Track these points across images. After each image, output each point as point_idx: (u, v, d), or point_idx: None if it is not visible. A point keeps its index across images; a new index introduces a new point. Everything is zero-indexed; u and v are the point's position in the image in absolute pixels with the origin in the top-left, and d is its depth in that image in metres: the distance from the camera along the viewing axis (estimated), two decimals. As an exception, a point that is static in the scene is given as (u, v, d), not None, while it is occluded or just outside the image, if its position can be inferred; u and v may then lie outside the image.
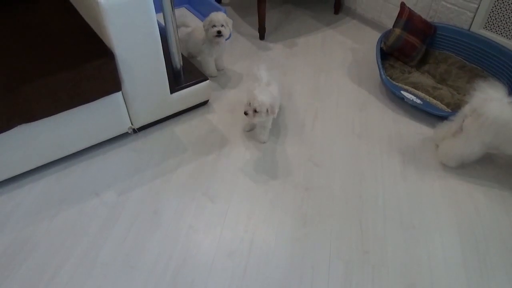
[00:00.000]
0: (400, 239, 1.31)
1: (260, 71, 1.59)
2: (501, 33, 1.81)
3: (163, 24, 1.53)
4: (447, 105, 1.74)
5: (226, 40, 1.83)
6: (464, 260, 1.26)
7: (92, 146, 1.56)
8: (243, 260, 1.24)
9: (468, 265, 1.25)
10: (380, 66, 1.84)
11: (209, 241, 1.29)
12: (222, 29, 1.74)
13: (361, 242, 1.30)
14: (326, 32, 2.37)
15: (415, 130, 1.71)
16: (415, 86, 1.82)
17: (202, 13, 2.38)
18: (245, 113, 1.46)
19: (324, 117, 1.77)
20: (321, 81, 1.98)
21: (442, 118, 1.63)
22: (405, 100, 1.75)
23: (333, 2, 2.51)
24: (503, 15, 1.76)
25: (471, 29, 1.91)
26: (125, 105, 1.50)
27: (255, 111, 1.43)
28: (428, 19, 2.04)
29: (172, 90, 1.60)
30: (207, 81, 1.69)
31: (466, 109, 1.44)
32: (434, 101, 1.75)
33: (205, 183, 1.47)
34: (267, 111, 1.44)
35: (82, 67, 1.29)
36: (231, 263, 1.24)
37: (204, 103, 1.79)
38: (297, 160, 1.57)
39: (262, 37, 2.25)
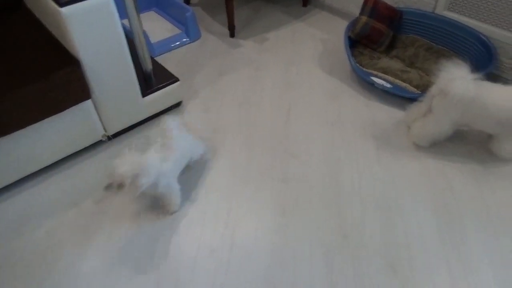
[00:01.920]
0: (377, 221, 1.34)
1: (167, 125, 1.32)
2: (464, 13, 1.85)
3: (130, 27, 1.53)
4: (416, 87, 1.77)
5: (194, 41, 1.83)
6: (440, 235, 1.29)
7: (67, 156, 1.55)
8: (226, 256, 1.25)
9: (444, 240, 1.28)
10: (350, 54, 1.86)
11: (190, 241, 1.30)
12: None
13: (340, 227, 1.32)
14: (296, 25, 2.39)
15: (387, 114, 1.75)
16: (385, 71, 1.85)
17: (171, 16, 2.38)
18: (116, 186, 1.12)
19: (297, 108, 1.79)
20: (293, 74, 2.00)
21: (412, 100, 1.66)
22: (375, 85, 1.78)
23: (301, -6, 2.54)
24: (464, -5, 1.80)
25: (435, 11, 1.95)
26: (96, 112, 1.49)
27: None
28: (394, 5, 2.08)
29: (144, 94, 1.60)
30: (178, 82, 1.70)
31: (433, 89, 1.48)
32: (404, 84, 1.79)
33: (186, 184, 1.47)
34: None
35: (48, 78, 1.28)
36: (214, 260, 1.25)
37: (178, 104, 1.79)
38: (273, 153, 1.59)
39: (232, 34, 2.26)
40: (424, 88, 1.75)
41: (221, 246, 1.28)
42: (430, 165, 1.52)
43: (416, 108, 1.60)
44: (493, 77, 1.72)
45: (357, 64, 1.87)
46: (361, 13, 1.95)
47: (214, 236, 1.31)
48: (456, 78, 1.38)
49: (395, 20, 1.98)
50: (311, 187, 1.45)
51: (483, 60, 1.75)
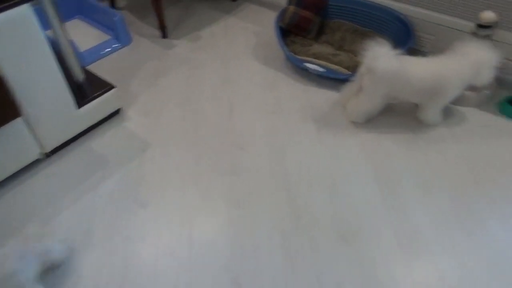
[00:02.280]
0: (326, 197, 1.41)
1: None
2: (380, -5, 1.98)
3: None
4: (347, 68, 1.87)
5: (125, 46, 1.79)
6: (384, 202, 1.39)
7: (4, 180, 1.47)
8: (186, 255, 1.26)
9: (388, 206, 1.38)
10: (282, 43, 1.92)
11: (148, 246, 1.29)
12: None
13: (293, 209, 1.38)
14: (228, 20, 2.41)
15: (324, 97, 1.83)
16: (317, 56, 1.93)
17: (98, 22, 2.30)
18: None
19: (238, 102, 1.82)
20: (230, 69, 2.02)
21: (345, 81, 1.75)
22: (310, 71, 1.86)
23: (228, -10, 2.56)
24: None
25: (355, -5, 2.06)
26: (29, 130, 1.42)
27: None
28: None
29: (79, 105, 1.55)
30: (114, 89, 1.66)
31: (362, 69, 1.57)
32: (335, 67, 1.88)
33: (133, 191, 1.45)
34: None
35: (-31, 99, 1.20)
36: (175, 260, 1.25)
37: (117, 111, 1.75)
38: (221, 148, 1.61)
39: (164, 35, 2.24)
40: (354, 68, 1.85)
41: (180, 246, 1.29)
42: (367, 139, 1.62)
43: (349, 88, 1.69)
44: (413, 52, 1.86)
45: (291, 53, 1.93)
46: (289, 3, 2.01)
47: (172, 237, 1.31)
48: (380, 56, 1.48)
49: (321, 7, 2.07)
50: (261, 176, 1.50)
51: (403, 36, 1.88)
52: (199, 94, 1.87)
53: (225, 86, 1.91)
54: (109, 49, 2.14)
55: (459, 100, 1.73)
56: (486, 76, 1.52)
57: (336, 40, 2.06)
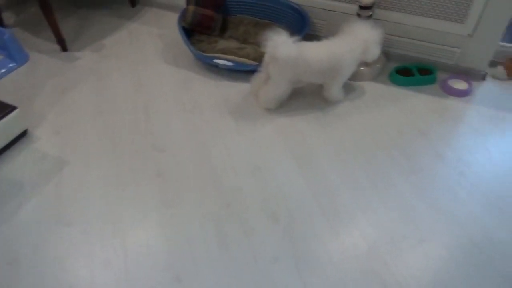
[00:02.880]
0: (252, 182, 1.49)
1: None
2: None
3: None
4: (254, 59, 1.97)
5: (22, 64, 1.69)
6: (304, 176, 1.50)
7: None
8: (122, 264, 1.25)
9: (308, 179, 1.49)
10: (188, 43, 1.96)
11: (81, 263, 1.25)
12: None
13: (222, 199, 1.43)
14: (131, 26, 2.38)
15: (236, 90, 1.90)
16: (224, 51, 2.00)
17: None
18: None
19: (154, 106, 1.82)
20: (141, 74, 2.01)
21: (253, 72, 1.84)
22: (219, 66, 1.92)
23: (126, -4, 2.52)
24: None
25: (251, -10, 2.16)
26: None
27: None
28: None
29: (-21, 132, 1.44)
30: (16, 110, 1.56)
31: (266, 58, 1.67)
32: (243, 60, 1.96)
33: (55, 211, 1.40)
34: None
35: None
36: (110, 271, 1.23)
37: (24, 133, 1.65)
38: (142, 153, 1.60)
39: (64, 48, 2.14)
40: (260, 59, 1.94)
41: (115, 257, 1.27)
42: (282, 123, 1.73)
43: (257, 78, 1.78)
44: (310, 37, 2.00)
45: (198, 51, 1.98)
46: (188, 3, 2.05)
47: (105, 249, 1.29)
48: (279, 45, 1.58)
49: (220, 5, 2.13)
50: (187, 173, 1.53)
51: (300, 24, 2.03)
52: (112, 103, 1.84)
53: (138, 92, 1.90)
54: (4, 70, 1.99)
55: (356, 76, 1.91)
56: (374, 51, 1.70)
57: (240, 34, 2.14)
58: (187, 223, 1.36)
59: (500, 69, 1.90)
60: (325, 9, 2.02)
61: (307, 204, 1.42)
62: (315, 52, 1.65)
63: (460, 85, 1.86)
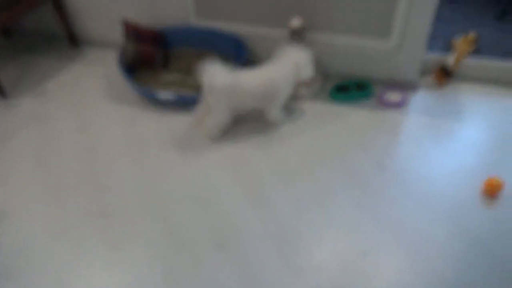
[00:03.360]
0: (200, 214, 1.49)
1: None
2: (213, 18, 2.15)
3: None
4: (197, 91, 1.99)
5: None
6: (250, 202, 1.52)
7: None
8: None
9: (254, 204, 1.51)
10: (129, 80, 1.97)
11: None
12: None
13: (170, 235, 1.42)
14: (74, 67, 2.37)
15: (181, 122, 1.92)
16: (167, 84, 2.02)
17: None
18: None
19: (99, 147, 1.81)
20: (86, 115, 1.99)
21: (196, 103, 1.86)
22: (162, 100, 1.94)
23: (66, 37, 2.50)
24: (208, 3, 2.09)
25: (191, 22, 2.21)
26: None
27: None
28: (157, 25, 2.27)
29: None
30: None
31: (204, 88, 1.70)
32: (185, 91, 1.99)
33: (-5, 267, 1.35)
34: None
35: None
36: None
37: (-40, 189, 1.60)
38: (87, 194, 1.58)
39: (3, 95, 2.10)
40: (201, 90, 1.98)
41: (58, 308, 1.23)
42: (227, 151, 1.75)
43: (200, 109, 1.81)
44: (248, 63, 2.04)
45: (140, 87, 1.99)
46: (126, 41, 2.07)
47: (47, 301, 1.25)
48: (214, 74, 1.62)
49: (159, 39, 2.17)
50: (134, 211, 1.51)
51: (238, 52, 2.08)
52: (55, 148, 1.81)
53: (83, 134, 1.88)
54: None
55: (296, 98, 1.98)
56: (306, 72, 1.77)
57: (183, 66, 2.18)
58: (135, 264, 1.34)
59: (431, 78, 2.01)
60: (261, 36, 2.09)
61: (254, 231, 1.43)
62: (250, 79, 1.69)
63: (394, 97, 1.95)
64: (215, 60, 1.66)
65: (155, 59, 2.13)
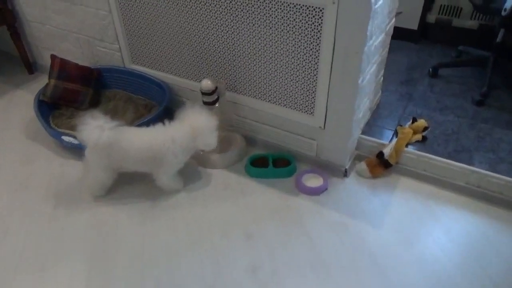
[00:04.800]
0: (31, 283, 1.30)
1: None
2: (145, 65, 2.03)
3: None
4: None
5: None
6: (89, 282, 1.31)
7: None
8: None
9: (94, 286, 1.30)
10: (39, 117, 1.87)
11: None
12: None
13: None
14: (16, 92, 2.33)
15: (78, 170, 1.77)
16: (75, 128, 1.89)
17: None
18: None
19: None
20: (-10, 145, 1.91)
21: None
22: (64, 144, 1.81)
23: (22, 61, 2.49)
24: (140, 50, 1.98)
25: (125, 66, 2.10)
26: None
27: None
28: (96, 63, 2.19)
29: None
30: None
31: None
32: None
33: None
34: None
35: None
36: None
37: None
38: None
39: None
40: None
41: None
42: (101, 212, 1.56)
43: (84, 163, 1.63)
44: (170, 110, 1.87)
45: (51, 126, 1.88)
46: (50, 77, 1.99)
47: None
48: (92, 129, 1.45)
49: (91, 78, 2.07)
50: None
51: (162, 98, 1.93)
52: None
53: (-26, 166, 1.79)
54: None
55: (206, 163, 1.77)
56: (207, 140, 1.56)
57: (110, 109, 2.05)
58: None
59: (363, 166, 1.72)
60: (185, 88, 1.93)
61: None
62: (134, 139, 1.51)
63: (313, 181, 1.68)
64: (97, 113, 1.49)
65: (80, 98, 2.02)
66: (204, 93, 1.66)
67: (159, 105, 1.93)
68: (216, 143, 1.60)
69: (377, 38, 1.54)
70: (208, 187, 1.69)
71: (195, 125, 1.54)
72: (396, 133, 1.78)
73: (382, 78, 1.97)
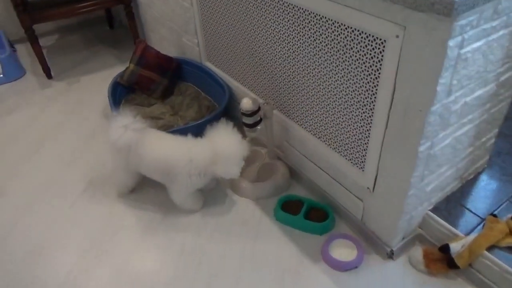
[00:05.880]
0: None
1: None
2: (216, 65, 1.90)
3: None
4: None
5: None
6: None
7: None
8: None
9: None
10: (111, 101, 1.91)
11: None
12: None
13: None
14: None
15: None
16: (145, 116, 1.84)
17: None
18: None
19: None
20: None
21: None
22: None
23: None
24: (214, 49, 1.86)
25: (202, 61, 2.01)
26: None
27: None
28: (178, 54, 2.16)
29: None
30: None
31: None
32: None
33: None
34: None
35: None
36: None
37: None
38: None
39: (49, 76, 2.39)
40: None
41: None
42: (115, 210, 1.53)
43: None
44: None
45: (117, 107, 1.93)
46: (130, 61, 2.03)
47: None
48: (116, 128, 1.40)
49: (168, 69, 2.04)
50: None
51: (222, 101, 1.79)
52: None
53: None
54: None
55: (237, 189, 1.57)
56: (227, 168, 1.37)
57: (177, 103, 2.01)
58: None
59: (418, 254, 1.27)
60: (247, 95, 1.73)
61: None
62: (152, 147, 1.41)
63: (343, 251, 1.32)
64: (128, 112, 1.43)
65: (153, 86, 2.03)
66: (243, 113, 1.44)
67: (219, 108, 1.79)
68: (238, 173, 1.38)
69: (471, 92, 1.07)
70: (225, 217, 1.49)
71: (219, 149, 1.35)
72: (483, 225, 1.26)
73: (493, 140, 1.41)
